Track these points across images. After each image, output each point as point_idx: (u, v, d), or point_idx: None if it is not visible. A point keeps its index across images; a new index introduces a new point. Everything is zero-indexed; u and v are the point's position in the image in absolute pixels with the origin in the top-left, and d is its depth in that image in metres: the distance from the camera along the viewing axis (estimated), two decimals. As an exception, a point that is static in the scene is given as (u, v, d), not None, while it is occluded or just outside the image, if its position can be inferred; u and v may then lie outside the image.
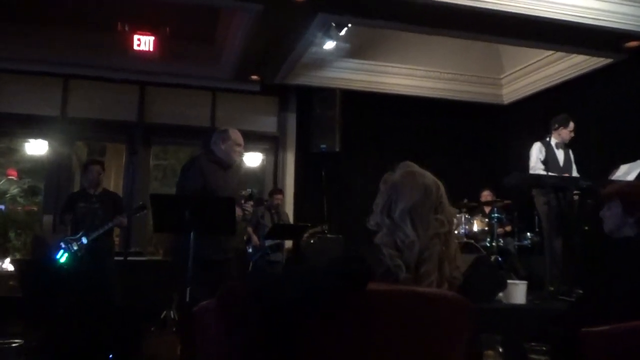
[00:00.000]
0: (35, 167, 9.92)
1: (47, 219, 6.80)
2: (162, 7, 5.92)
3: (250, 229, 6.48)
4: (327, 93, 7.42)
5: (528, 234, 6.42)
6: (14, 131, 7.36)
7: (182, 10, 6.17)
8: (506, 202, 6.50)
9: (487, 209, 6.76)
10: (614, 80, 6.35)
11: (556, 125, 5.43)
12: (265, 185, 7.90)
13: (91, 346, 3.73)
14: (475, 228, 6.44)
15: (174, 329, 5.14)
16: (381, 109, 7.76)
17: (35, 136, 7.42)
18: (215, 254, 3.67)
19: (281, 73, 6.94)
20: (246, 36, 5.86)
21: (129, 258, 5.31)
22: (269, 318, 1.15)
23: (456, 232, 5.48)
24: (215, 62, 7.00)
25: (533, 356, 1.57)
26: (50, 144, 7.15)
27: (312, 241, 6.59)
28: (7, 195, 10.22)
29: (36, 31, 6.54)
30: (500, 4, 5.04)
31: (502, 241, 6.37)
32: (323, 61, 6.98)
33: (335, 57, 6.75)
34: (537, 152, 5.39)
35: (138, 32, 6.22)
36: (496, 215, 6.28)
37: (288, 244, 6.78)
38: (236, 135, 3.85)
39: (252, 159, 8.25)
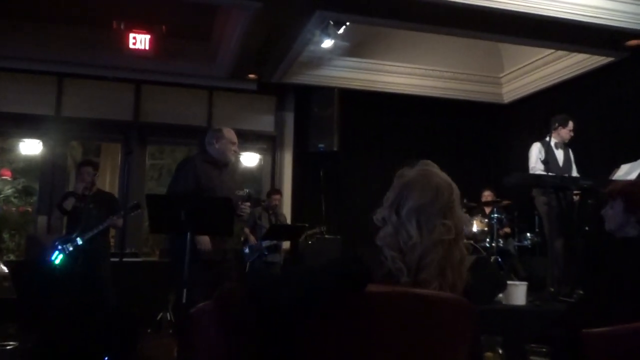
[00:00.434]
0: (29, 167, 9.85)
1: (42, 219, 6.75)
2: (157, 4, 5.90)
3: (247, 230, 6.46)
4: (325, 92, 7.36)
5: (528, 234, 6.42)
6: (8, 131, 7.28)
7: (178, 8, 6.13)
8: (506, 202, 6.48)
9: (487, 209, 6.73)
10: (615, 79, 6.33)
11: (555, 125, 5.41)
12: (262, 185, 7.87)
13: (86, 348, 3.68)
14: (475, 228, 6.41)
15: (171, 331, 5.10)
16: (380, 108, 7.71)
17: (30, 136, 7.34)
18: (213, 254, 3.65)
19: (279, 72, 6.91)
20: (243, 34, 5.82)
21: (124, 259, 5.26)
22: (267, 319, 1.14)
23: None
24: (212, 60, 6.96)
25: (533, 357, 1.55)
26: (44, 144, 7.10)
27: (310, 242, 6.54)
28: (1, 196, 10.12)
29: (30, 29, 6.50)
30: (501, 2, 5.01)
31: (502, 242, 6.34)
32: (321, 60, 6.93)
33: (333, 56, 6.70)
34: (536, 152, 5.37)
35: (133, 30, 6.22)
36: (496, 215, 6.25)
37: (286, 245, 6.73)
38: (230, 134, 3.85)
39: (250, 159, 8.22)
